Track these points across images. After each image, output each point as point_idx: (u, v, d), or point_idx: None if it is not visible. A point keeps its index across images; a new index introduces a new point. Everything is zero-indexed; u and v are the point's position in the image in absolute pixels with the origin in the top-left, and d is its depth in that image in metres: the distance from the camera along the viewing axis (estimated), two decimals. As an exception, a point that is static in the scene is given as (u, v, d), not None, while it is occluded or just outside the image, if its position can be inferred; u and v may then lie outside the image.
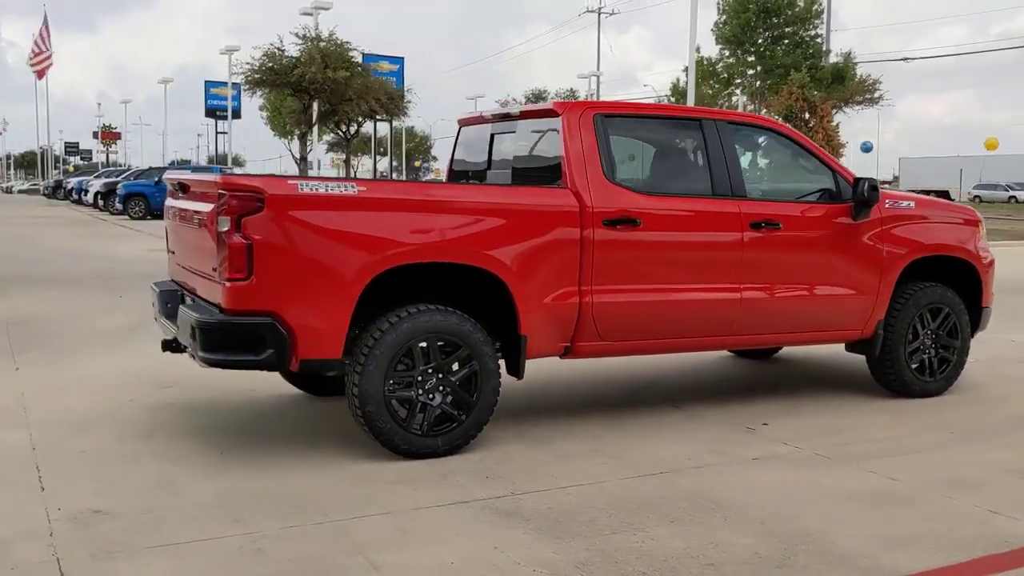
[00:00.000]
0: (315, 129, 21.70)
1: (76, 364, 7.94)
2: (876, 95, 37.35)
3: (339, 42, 25.01)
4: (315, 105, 21.25)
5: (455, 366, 5.39)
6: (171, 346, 5.85)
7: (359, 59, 25.39)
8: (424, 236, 5.32)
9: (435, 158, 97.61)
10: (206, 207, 5.15)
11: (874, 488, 5.04)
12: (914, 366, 7.00)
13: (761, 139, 6.57)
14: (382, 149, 60.91)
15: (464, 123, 7.17)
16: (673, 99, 56.15)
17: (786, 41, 38.33)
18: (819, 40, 38.13)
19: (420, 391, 5.31)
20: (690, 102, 25.93)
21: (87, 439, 5.71)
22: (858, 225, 6.60)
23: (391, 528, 4.37)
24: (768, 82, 36.49)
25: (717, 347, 7.02)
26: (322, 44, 24.50)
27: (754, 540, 4.26)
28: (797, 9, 37.67)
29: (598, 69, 61.89)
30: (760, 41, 37.16)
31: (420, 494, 4.83)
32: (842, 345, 7.11)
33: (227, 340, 5.07)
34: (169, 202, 6.16)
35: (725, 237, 6.20)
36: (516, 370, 5.65)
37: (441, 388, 5.36)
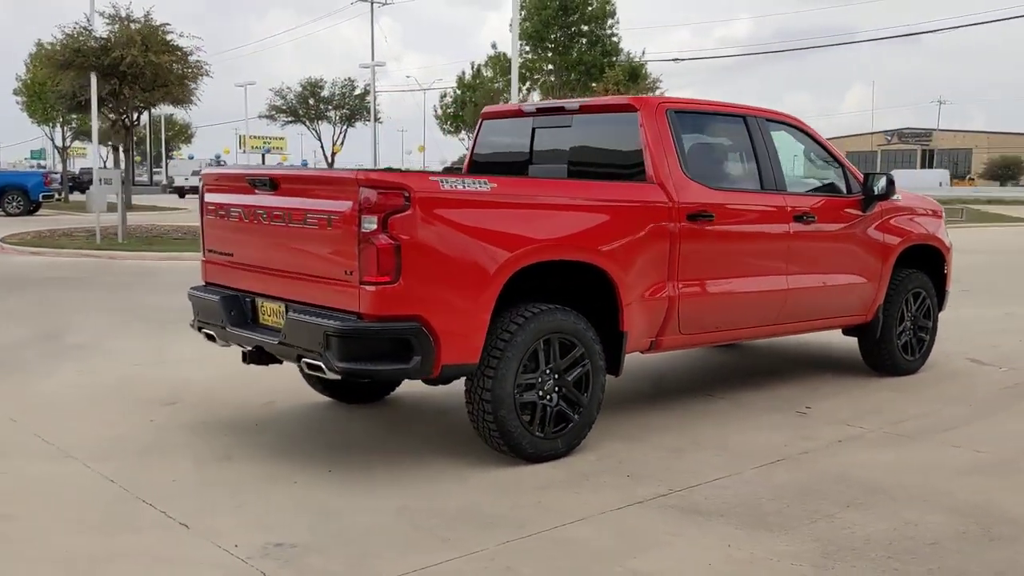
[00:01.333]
0: (94, 115, 19.75)
1: (38, 383, 7.02)
2: (660, 92, 39.44)
3: (154, 24, 23.24)
4: (94, 87, 19.24)
5: (570, 365, 5.28)
6: (257, 357, 5.33)
7: (178, 42, 23.62)
8: (552, 233, 5.18)
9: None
10: (336, 205, 4.71)
11: (976, 461, 5.43)
12: (900, 346, 7.56)
13: (788, 135, 6.85)
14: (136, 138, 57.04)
15: (490, 115, 6.97)
16: (459, 92, 56.57)
17: (584, 39, 39.77)
18: (616, 38, 39.97)
19: (540, 392, 5.16)
20: (513, 99, 26.26)
21: (163, 467, 5.12)
22: (867, 217, 7.05)
23: (606, 534, 4.24)
24: (571, 78, 37.66)
25: (767, 336, 7.25)
26: (135, 25, 22.71)
27: (943, 518, 4.48)
28: (592, 8, 39.07)
29: (372, 59, 61.32)
30: (556, 38, 38.23)
31: (590, 498, 4.71)
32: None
33: (371, 348, 4.69)
34: (225, 199, 5.57)
35: (778, 229, 6.44)
36: (616, 367, 5.59)
37: (557, 388, 5.24)
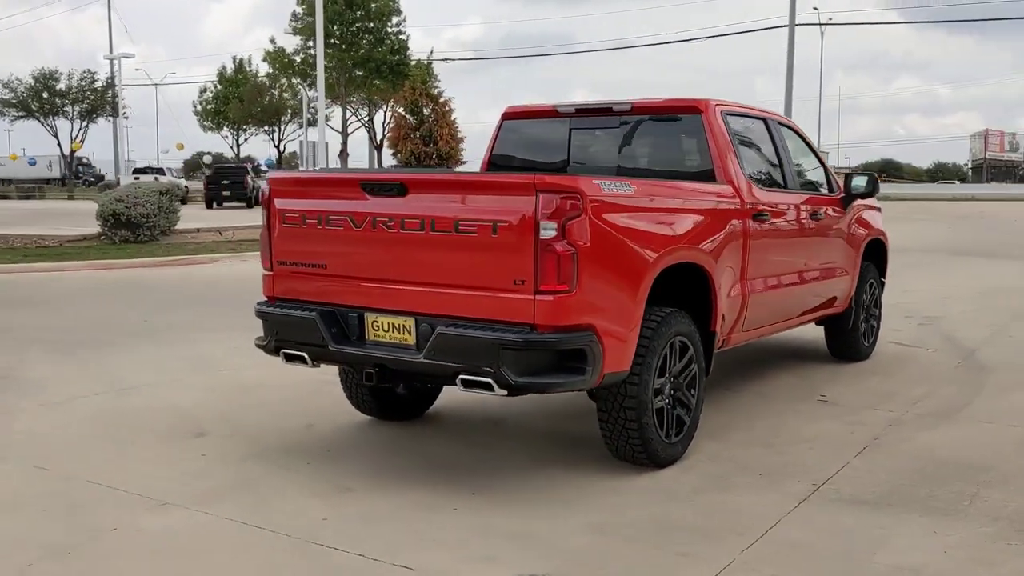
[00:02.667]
0: None
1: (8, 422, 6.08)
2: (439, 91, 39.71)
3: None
4: None
5: (683, 368, 5.29)
6: (379, 377, 4.89)
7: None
8: (680, 234, 5.17)
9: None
10: (504, 210, 4.42)
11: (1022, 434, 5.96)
12: (861, 333, 8.15)
13: (788, 136, 7.16)
14: None
15: (514, 115, 6.77)
16: (220, 87, 53.98)
17: (369, 36, 39.03)
18: (403, 36, 39.54)
19: (661, 397, 5.13)
20: (321, 104, 25.49)
21: (287, 505, 4.64)
22: (846, 213, 7.54)
23: (823, 535, 4.27)
24: (357, 75, 36.84)
25: (785, 329, 7.50)
26: None
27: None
28: (376, 5, 38.44)
29: (111, 51, 57.44)
30: (341, 34, 37.27)
31: (761, 498, 4.73)
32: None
33: (549, 361, 4.46)
34: (315, 205, 5.05)
35: (802, 226, 6.76)
36: (707, 367, 5.64)
37: (673, 392, 5.23)
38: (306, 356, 5.07)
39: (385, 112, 39.68)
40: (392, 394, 5.94)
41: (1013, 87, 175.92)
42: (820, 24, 72.59)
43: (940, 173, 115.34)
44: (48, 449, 5.50)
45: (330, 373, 7.22)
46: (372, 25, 38.39)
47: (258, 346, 5.37)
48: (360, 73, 37.48)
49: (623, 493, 4.79)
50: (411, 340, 4.76)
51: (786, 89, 37.81)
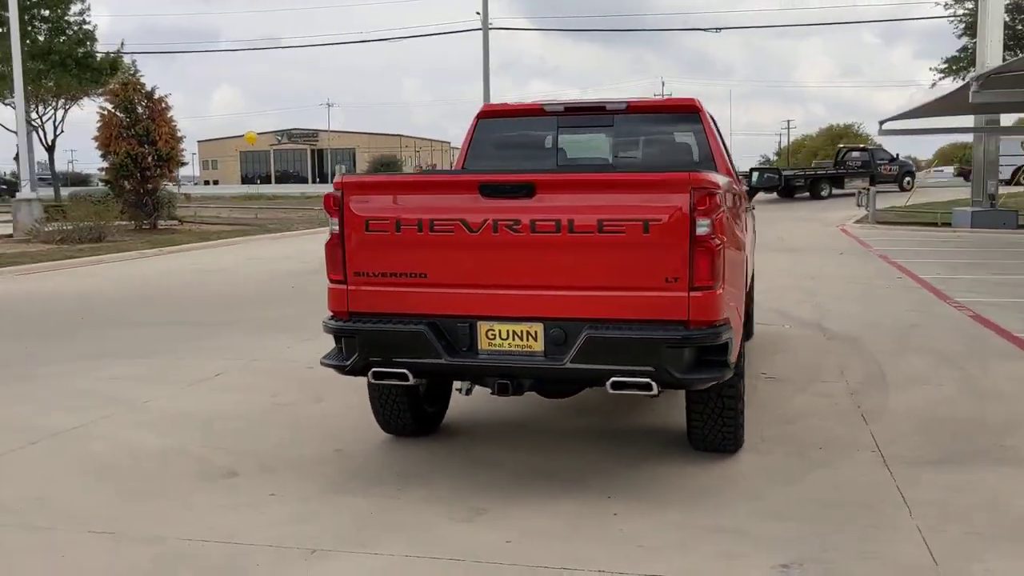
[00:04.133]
0: None
1: (40, 463, 5.06)
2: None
3: None
4: None
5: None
6: (508, 388, 4.66)
7: None
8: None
9: None
10: (656, 208, 4.41)
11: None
12: (750, 315, 8.91)
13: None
14: None
15: (492, 114, 6.64)
16: None
17: (47, 25, 34.75)
18: (88, 26, 35.58)
19: None
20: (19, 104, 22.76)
21: (424, 535, 4.30)
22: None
23: (952, 493, 4.71)
24: (37, 66, 32.65)
25: None
26: None
27: None
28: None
29: None
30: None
31: (852, 471, 5.11)
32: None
33: (706, 357, 4.52)
34: (412, 208, 4.69)
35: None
36: None
37: (734, 381, 5.48)
38: (408, 373, 4.71)
39: (81, 109, 36.04)
40: (423, 410, 5.67)
41: (632, 90, 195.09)
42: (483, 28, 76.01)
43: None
44: (72, 513, 4.64)
45: (281, 396, 6.74)
46: (48, 13, 34.58)
47: (333, 366, 4.90)
48: (42, 67, 33.59)
49: (751, 481, 4.94)
50: (538, 346, 4.59)
51: (484, 92, 39.26)
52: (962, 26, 36.39)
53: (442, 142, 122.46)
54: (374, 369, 4.75)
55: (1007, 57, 24.31)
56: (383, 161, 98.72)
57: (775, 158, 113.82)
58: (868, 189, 27.42)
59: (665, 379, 4.41)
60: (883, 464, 5.16)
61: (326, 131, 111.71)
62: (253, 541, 4.20)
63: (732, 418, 5.10)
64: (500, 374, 4.66)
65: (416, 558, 3.99)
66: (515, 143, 6.66)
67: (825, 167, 41.99)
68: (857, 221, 26.55)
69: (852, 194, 38.68)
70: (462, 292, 4.67)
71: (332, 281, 4.88)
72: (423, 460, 5.35)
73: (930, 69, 36.60)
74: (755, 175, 7.83)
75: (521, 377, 4.67)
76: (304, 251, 19.82)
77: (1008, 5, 28.42)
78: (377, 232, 4.72)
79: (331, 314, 4.91)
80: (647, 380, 4.42)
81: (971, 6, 34.39)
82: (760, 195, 32.40)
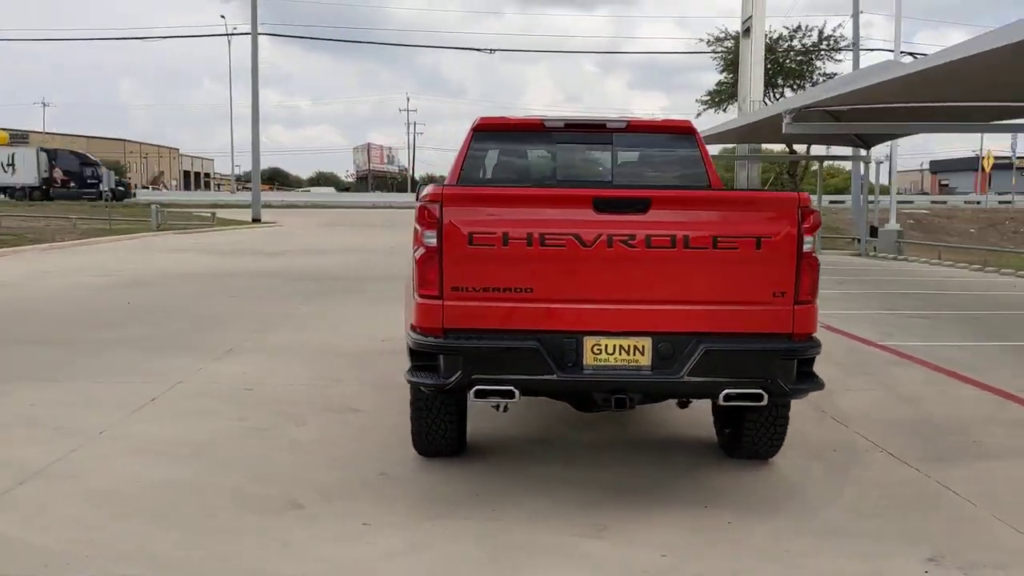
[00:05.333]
0: None
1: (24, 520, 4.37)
2: None
3: None
4: None
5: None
6: (618, 403, 4.66)
7: None
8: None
9: None
10: (765, 225, 4.59)
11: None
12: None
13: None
14: None
15: (489, 127, 6.51)
16: None
17: None
18: None
19: None
20: None
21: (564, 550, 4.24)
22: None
23: (997, 485, 5.22)
24: None
25: None
26: None
27: None
28: None
29: None
30: None
31: (881, 472, 5.55)
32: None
33: (805, 368, 4.76)
34: (555, 223, 4.56)
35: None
36: None
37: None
38: (514, 390, 4.59)
39: None
40: (464, 429, 5.53)
41: (364, 103, 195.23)
42: (227, 34, 73.28)
43: (320, 182, 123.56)
44: (151, 556, 4.12)
45: (251, 420, 6.33)
46: None
47: (429, 384, 4.67)
48: None
49: (809, 486, 5.24)
50: (644, 360, 4.64)
51: (252, 102, 37.88)
52: (722, 63, 39.71)
53: (171, 148, 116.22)
54: (478, 387, 4.58)
55: (768, 93, 26.76)
56: (109, 166, 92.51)
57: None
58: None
59: (776, 391, 4.60)
60: (902, 463, 5.63)
61: (40, 133, 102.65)
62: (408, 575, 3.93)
63: (782, 426, 5.37)
64: (611, 389, 4.65)
65: (592, 578, 3.91)
66: (512, 157, 6.61)
67: None
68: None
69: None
70: (570, 307, 4.62)
71: (422, 296, 4.65)
72: (482, 479, 5.20)
73: (696, 100, 39.89)
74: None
75: (634, 391, 4.69)
76: (95, 263, 18.35)
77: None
78: (481, 246, 4.57)
79: (418, 330, 4.67)
80: (759, 391, 4.59)
81: (730, 44, 37.77)
82: None
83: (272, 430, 6.19)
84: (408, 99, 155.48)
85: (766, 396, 4.61)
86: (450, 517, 4.61)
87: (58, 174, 56.96)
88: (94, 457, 5.52)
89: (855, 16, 36.85)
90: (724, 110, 40.13)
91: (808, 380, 4.75)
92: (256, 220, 36.96)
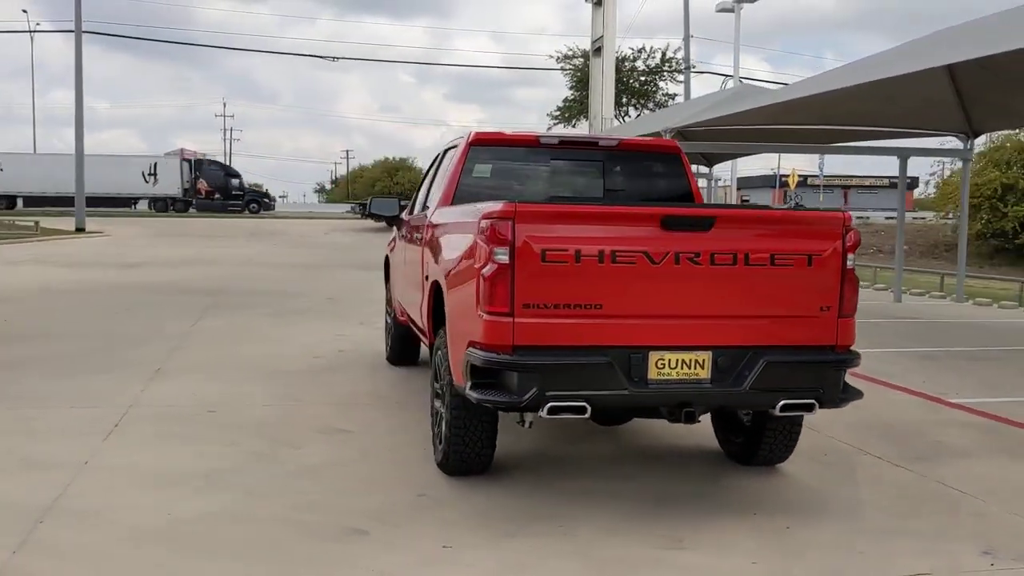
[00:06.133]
0: None
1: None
2: None
3: None
4: None
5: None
6: (685, 416, 4.80)
7: None
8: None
9: None
10: (816, 243, 4.84)
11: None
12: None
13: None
14: None
15: (485, 142, 6.51)
16: None
17: None
18: None
19: None
20: None
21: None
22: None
23: (992, 480, 5.69)
24: None
25: None
26: None
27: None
28: None
29: None
30: None
31: (886, 471, 5.94)
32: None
33: (844, 378, 5.03)
34: (625, 240, 4.64)
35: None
36: None
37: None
38: (587, 406, 4.63)
39: None
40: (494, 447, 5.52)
41: (169, 108, 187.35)
42: (30, 31, 68.78)
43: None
44: None
45: (242, 444, 6.12)
46: None
47: (502, 403, 4.63)
48: None
49: (828, 489, 5.53)
50: (704, 374, 4.79)
51: (76, 99, 35.60)
52: (572, 80, 40.68)
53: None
54: (551, 404, 4.59)
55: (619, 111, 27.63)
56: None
57: (332, 186, 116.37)
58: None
59: (826, 400, 4.87)
60: (893, 465, 6.04)
61: None
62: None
63: (797, 434, 5.65)
64: (679, 403, 4.77)
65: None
66: (505, 172, 6.63)
67: None
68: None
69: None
70: (637, 322, 4.71)
71: (490, 313, 4.61)
72: (526, 497, 5.18)
73: (547, 115, 40.67)
74: (373, 203, 8.44)
75: (700, 404, 4.82)
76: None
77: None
78: (554, 263, 4.59)
79: (486, 347, 4.63)
80: (812, 401, 4.83)
81: (579, 62, 38.79)
82: (371, 223, 33.58)
83: (272, 455, 5.93)
84: (225, 104, 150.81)
85: (818, 405, 4.85)
86: (525, 535, 4.59)
87: (202, 185, 53.64)
88: (101, 491, 5.12)
89: (685, 40, 38.81)
90: (573, 125, 41.20)
91: (848, 389, 5.03)
92: (80, 229, 34.73)
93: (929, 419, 7.36)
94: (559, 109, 41.57)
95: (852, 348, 5.02)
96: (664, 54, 39.50)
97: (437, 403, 5.68)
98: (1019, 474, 5.96)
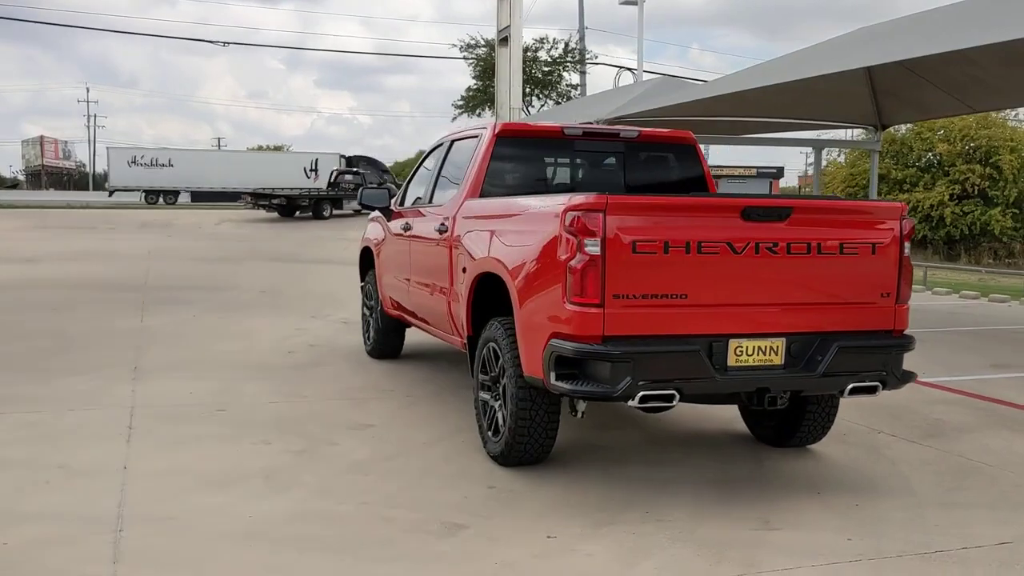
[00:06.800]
0: None
1: None
2: None
3: None
4: None
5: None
6: (761, 401, 4.98)
7: None
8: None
9: None
10: (879, 233, 5.06)
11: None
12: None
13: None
14: None
15: (512, 133, 6.49)
16: None
17: None
18: None
19: None
20: None
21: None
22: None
23: (998, 454, 6.07)
24: None
25: None
26: None
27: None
28: None
29: None
30: None
31: (902, 450, 6.26)
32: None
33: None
34: (709, 231, 4.75)
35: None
36: None
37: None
38: (676, 394, 4.73)
39: None
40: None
41: (18, 94, 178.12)
42: None
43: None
44: None
45: (275, 443, 6.03)
46: None
47: (596, 394, 4.67)
48: None
49: (864, 468, 5.79)
50: (778, 360, 4.95)
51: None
52: (476, 69, 40.52)
53: None
54: (643, 392, 4.66)
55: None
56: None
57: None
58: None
59: (889, 382, 5.10)
60: (910, 442, 6.36)
61: None
62: (663, 580, 3.96)
63: (834, 415, 5.89)
64: (757, 388, 4.91)
65: (847, 563, 4.16)
66: (532, 163, 6.65)
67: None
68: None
69: (350, 215, 40.53)
70: (719, 311, 4.83)
71: (580, 304, 4.64)
72: (595, 486, 5.23)
73: (452, 105, 40.34)
74: (363, 195, 8.39)
75: (778, 389, 4.97)
76: None
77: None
78: (645, 254, 4.66)
79: (573, 338, 4.66)
80: (877, 384, 5.06)
81: (481, 52, 38.74)
82: (260, 213, 33.02)
83: (313, 451, 5.81)
84: (88, 90, 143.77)
85: (881, 387, 5.08)
86: (620, 523, 4.64)
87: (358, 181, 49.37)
88: (163, 496, 4.91)
89: (580, 30, 39.36)
90: (479, 115, 41.12)
91: (906, 371, 5.28)
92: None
93: (916, 399, 7.73)
94: (463, 99, 41.46)
95: (906, 331, 5.26)
96: (567, 45, 39.93)
97: (485, 395, 5.68)
98: (1027, 446, 6.37)
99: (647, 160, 6.92)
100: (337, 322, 11.53)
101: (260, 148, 68.02)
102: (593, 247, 4.59)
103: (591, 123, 16.59)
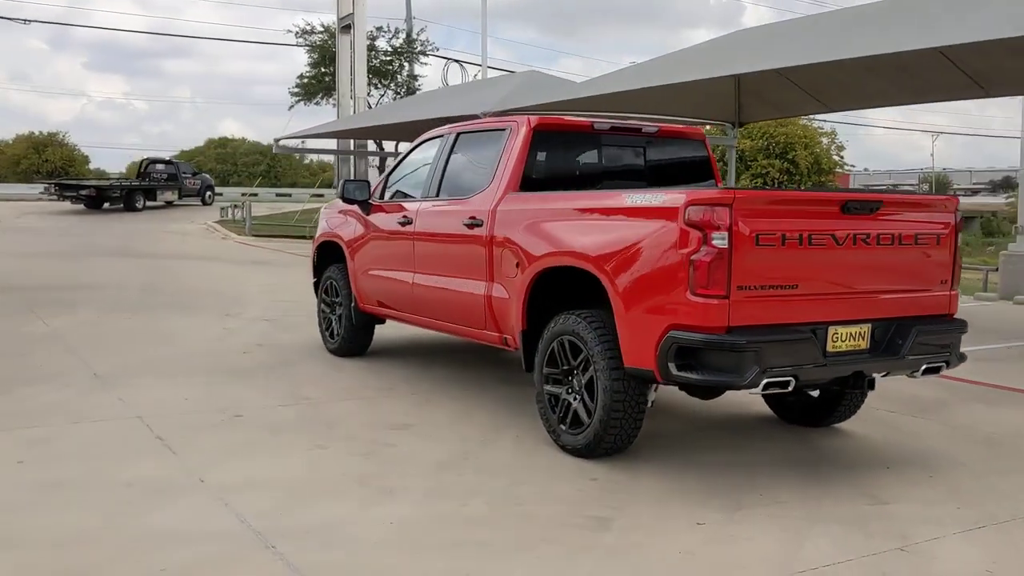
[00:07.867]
0: None
1: None
2: None
3: None
4: None
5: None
6: (856, 383, 5.29)
7: None
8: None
9: None
10: (940, 224, 5.47)
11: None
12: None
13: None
14: None
15: (547, 127, 6.43)
16: None
17: None
18: None
19: None
20: None
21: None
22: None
23: (999, 425, 6.67)
24: None
25: None
26: None
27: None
28: None
29: None
30: None
31: (916, 430, 6.77)
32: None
33: (957, 344, 5.71)
34: (816, 224, 4.97)
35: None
36: None
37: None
38: (792, 380, 4.94)
39: None
40: None
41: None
42: None
43: None
44: None
45: (332, 448, 5.89)
46: None
47: (725, 383, 4.81)
48: None
49: (894, 446, 6.22)
50: (864, 345, 5.26)
51: None
52: (313, 56, 39.17)
53: None
54: (767, 380, 4.83)
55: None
56: None
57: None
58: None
59: (952, 362, 5.53)
60: (914, 417, 6.88)
61: None
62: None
63: (866, 394, 6.29)
64: (854, 372, 5.20)
65: (971, 531, 4.47)
66: (570, 156, 6.71)
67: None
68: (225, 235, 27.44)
69: (163, 206, 38.67)
70: (821, 299, 5.08)
71: (705, 296, 4.74)
72: (674, 472, 5.35)
73: (289, 92, 38.46)
74: (346, 187, 7.97)
75: (872, 372, 5.26)
76: None
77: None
78: (766, 247, 4.83)
79: (697, 329, 4.76)
80: (943, 364, 5.49)
81: (316, 39, 37.63)
82: (65, 206, 31.58)
83: (380, 454, 5.61)
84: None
85: (946, 367, 5.50)
86: (750, 507, 4.73)
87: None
88: (280, 509, 4.59)
89: (408, 20, 39.15)
90: (317, 103, 39.92)
91: (962, 352, 5.71)
92: None
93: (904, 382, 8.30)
94: (298, 87, 40.10)
95: (956, 315, 5.71)
96: (409, 35, 39.42)
97: (554, 389, 5.68)
98: (1015, 418, 7.01)
99: (666, 153, 7.11)
100: (258, 320, 11.07)
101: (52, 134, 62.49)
102: (720, 240, 4.70)
103: (479, 115, 16.66)
